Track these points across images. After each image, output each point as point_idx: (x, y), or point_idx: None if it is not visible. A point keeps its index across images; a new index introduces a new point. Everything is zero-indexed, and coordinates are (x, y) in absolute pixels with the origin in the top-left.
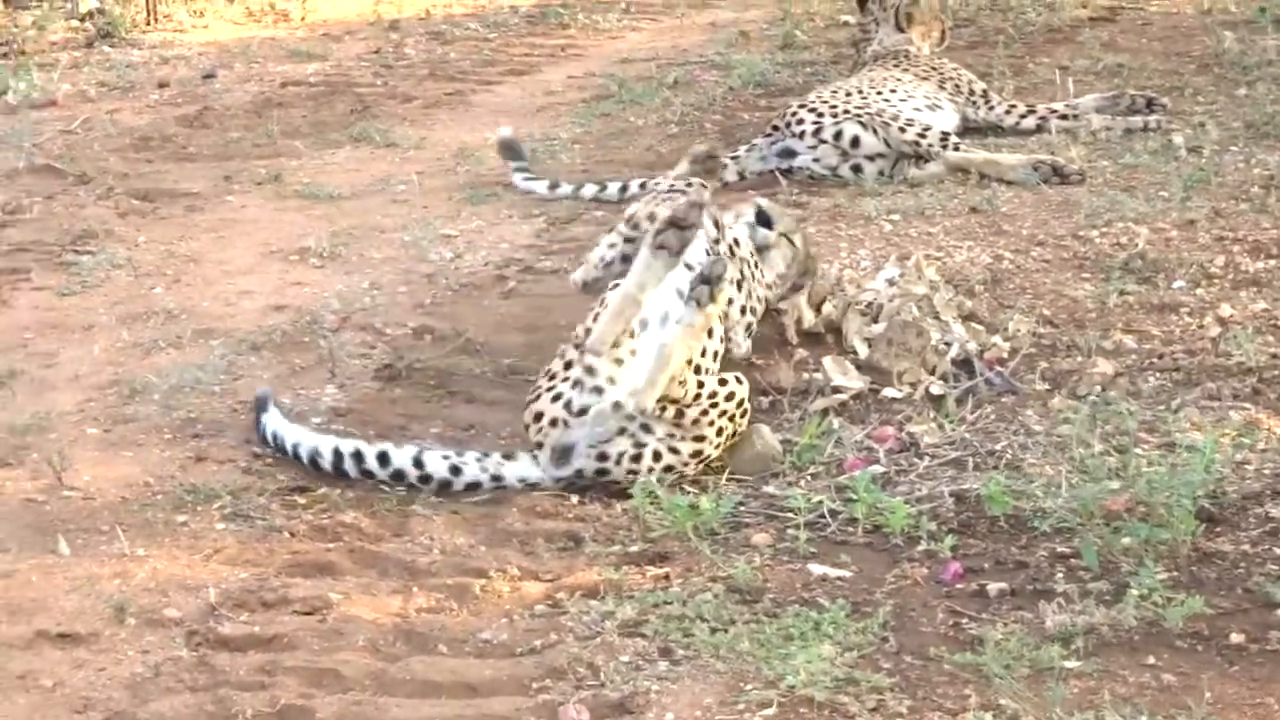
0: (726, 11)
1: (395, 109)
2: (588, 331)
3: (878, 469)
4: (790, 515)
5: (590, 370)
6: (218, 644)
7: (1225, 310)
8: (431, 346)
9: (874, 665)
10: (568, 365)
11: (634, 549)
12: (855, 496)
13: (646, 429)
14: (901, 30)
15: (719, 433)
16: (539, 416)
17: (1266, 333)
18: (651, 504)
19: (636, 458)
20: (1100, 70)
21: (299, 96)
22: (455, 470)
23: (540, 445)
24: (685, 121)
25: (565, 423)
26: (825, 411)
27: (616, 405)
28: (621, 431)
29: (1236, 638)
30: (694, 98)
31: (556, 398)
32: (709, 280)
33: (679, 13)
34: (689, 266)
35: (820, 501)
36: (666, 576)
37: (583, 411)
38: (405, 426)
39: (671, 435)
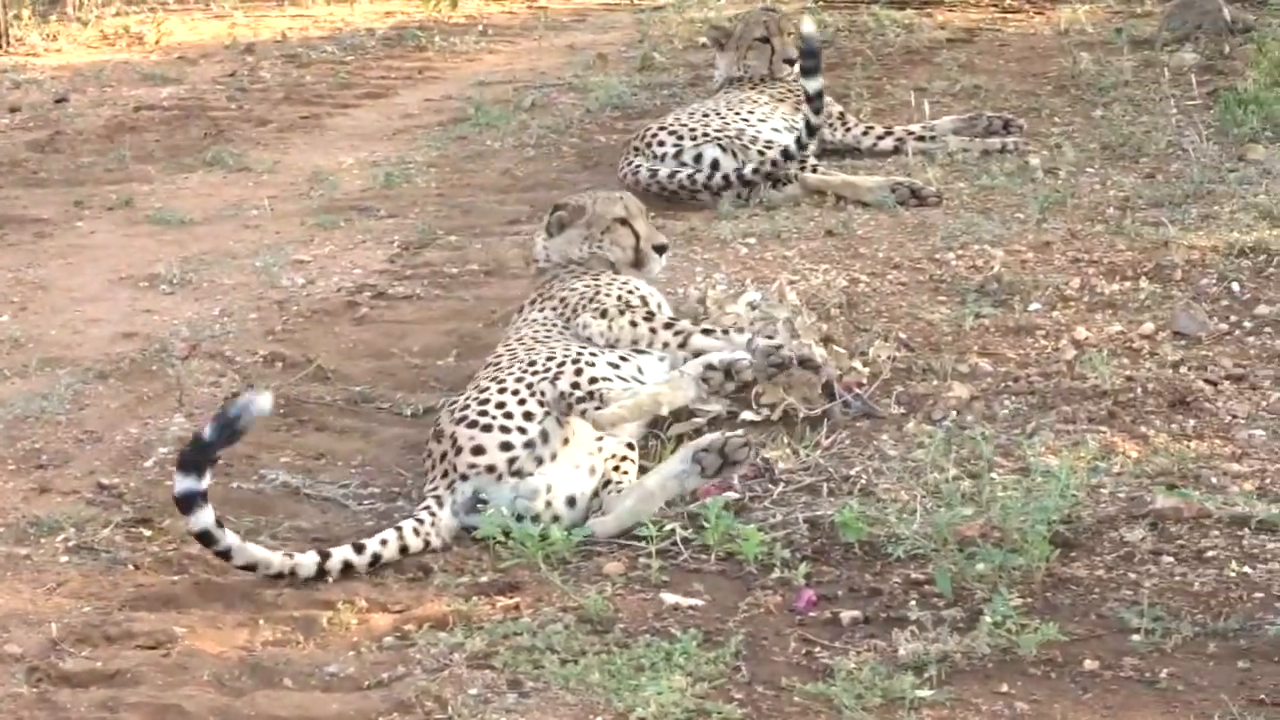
0: (584, 34)
1: (250, 133)
2: (564, 391)
3: (732, 495)
4: (642, 543)
5: (545, 437)
6: (59, 680)
7: (1081, 333)
8: (282, 374)
9: (725, 696)
10: (527, 416)
11: (484, 579)
12: (708, 524)
13: (556, 519)
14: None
15: None
16: (480, 450)
17: (1122, 355)
18: (502, 533)
19: None
20: (957, 92)
21: (152, 120)
22: (404, 550)
23: (464, 476)
24: (542, 144)
25: (501, 476)
26: (681, 437)
27: (549, 487)
28: (535, 518)
29: (1090, 664)
30: (551, 120)
31: (506, 447)
32: (725, 458)
33: (536, 35)
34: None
35: (672, 529)
36: (517, 607)
37: (518, 474)
38: (254, 456)
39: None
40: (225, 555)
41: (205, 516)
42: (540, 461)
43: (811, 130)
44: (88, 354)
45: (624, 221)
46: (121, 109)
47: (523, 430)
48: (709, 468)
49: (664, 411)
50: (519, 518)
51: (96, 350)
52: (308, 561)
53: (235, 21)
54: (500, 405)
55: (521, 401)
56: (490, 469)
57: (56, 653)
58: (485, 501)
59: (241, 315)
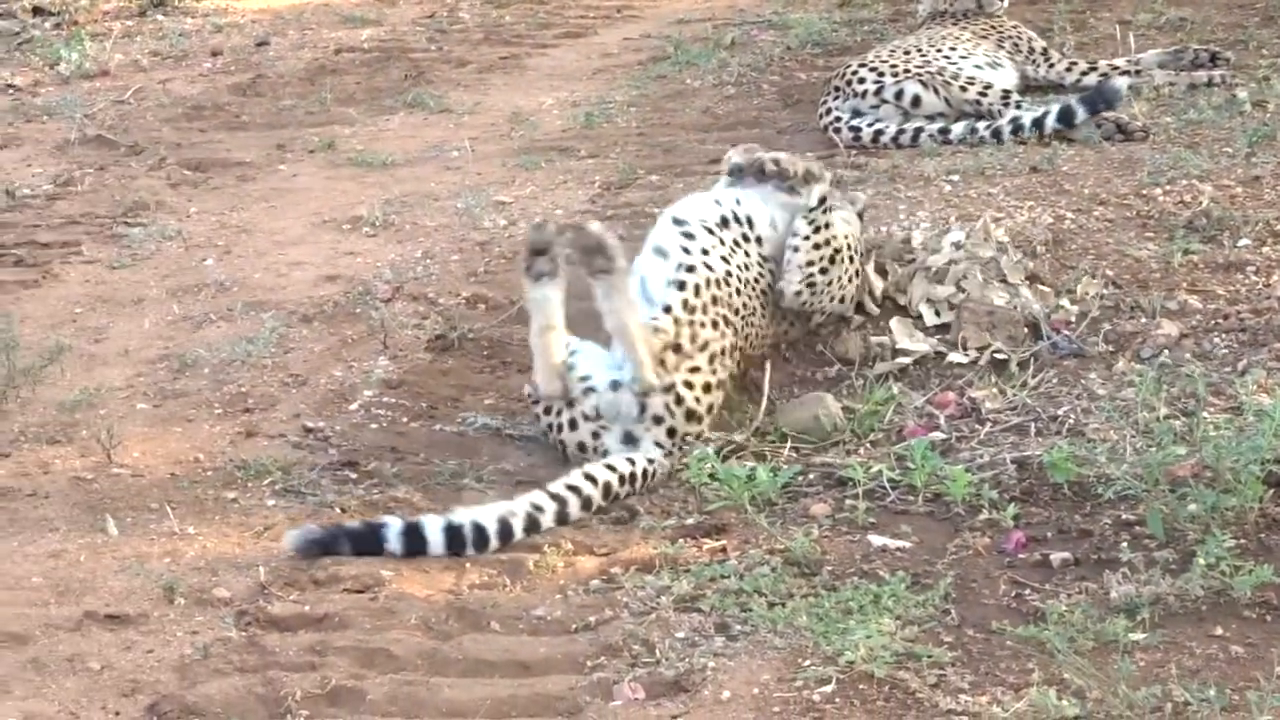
0: None
1: (449, 74)
2: None
3: (938, 435)
4: (849, 484)
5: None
6: (267, 624)
7: None
8: (485, 316)
9: (935, 639)
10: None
11: (690, 521)
12: (914, 465)
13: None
14: None
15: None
16: (582, 447)
17: None
18: (708, 475)
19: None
20: (1163, 24)
21: (352, 63)
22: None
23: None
24: (742, 83)
25: (596, 433)
26: (887, 377)
27: (614, 384)
28: (643, 410)
29: None
30: (751, 58)
31: (573, 424)
32: (588, 250)
33: None
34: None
35: (879, 470)
36: (723, 549)
37: (597, 411)
38: (458, 399)
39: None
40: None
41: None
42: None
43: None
44: (291, 297)
45: None
46: (322, 51)
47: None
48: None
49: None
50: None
51: (300, 293)
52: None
53: None
54: None
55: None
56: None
57: (265, 596)
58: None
59: (444, 257)
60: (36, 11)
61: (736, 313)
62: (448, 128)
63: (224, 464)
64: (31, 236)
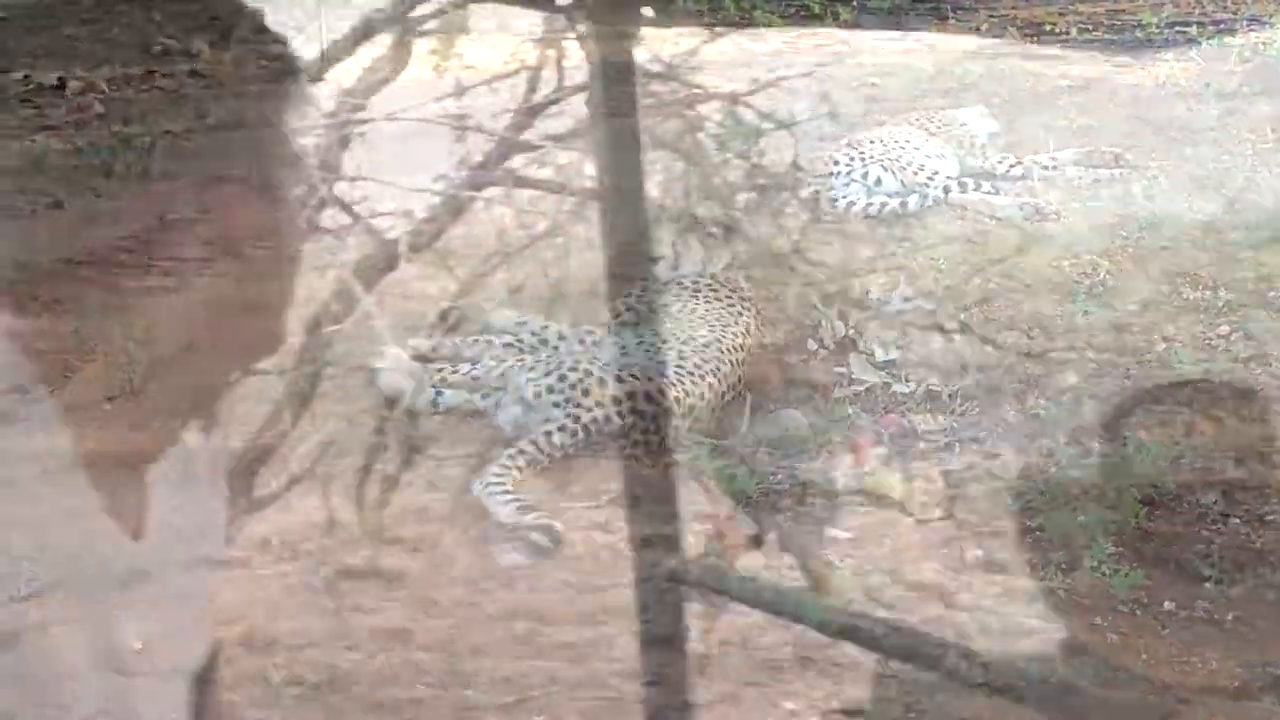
0: None
1: None
2: None
3: (882, 450)
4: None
5: None
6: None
7: (1169, 330)
8: None
9: None
10: None
11: None
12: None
13: None
14: None
15: None
16: None
17: (1200, 350)
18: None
19: None
20: (1076, 130)
21: None
22: None
23: None
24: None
25: None
26: (845, 400)
27: None
28: None
29: (1169, 605)
30: None
31: None
32: None
33: None
34: None
35: (835, 476)
36: None
37: None
38: None
39: None
40: None
41: None
42: None
43: None
44: None
45: None
46: None
47: None
48: None
49: None
50: None
51: None
52: None
53: None
54: None
55: None
56: None
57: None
58: None
59: None
60: None
61: None
62: None
63: None
64: None
